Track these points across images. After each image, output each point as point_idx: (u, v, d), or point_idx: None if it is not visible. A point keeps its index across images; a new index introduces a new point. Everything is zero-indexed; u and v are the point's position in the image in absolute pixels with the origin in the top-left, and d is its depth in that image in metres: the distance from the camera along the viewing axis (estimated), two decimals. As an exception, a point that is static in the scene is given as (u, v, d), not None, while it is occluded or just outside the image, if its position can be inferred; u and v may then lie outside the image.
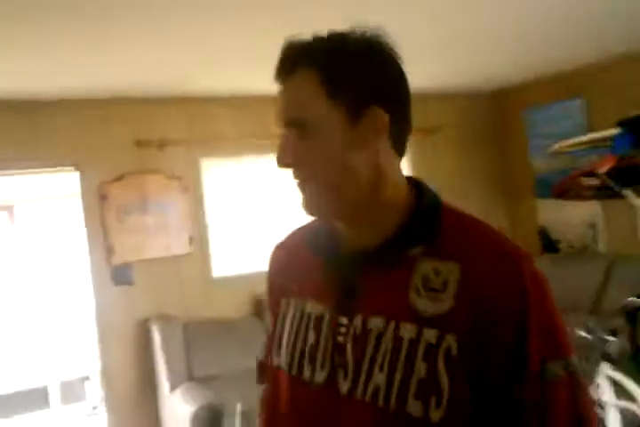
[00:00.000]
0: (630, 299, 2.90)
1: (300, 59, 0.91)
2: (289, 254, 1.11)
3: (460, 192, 5.14)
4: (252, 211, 4.54)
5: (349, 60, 0.90)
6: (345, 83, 0.89)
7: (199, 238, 4.35)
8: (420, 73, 4.29)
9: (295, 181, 0.95)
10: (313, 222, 1.08)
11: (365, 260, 0.93)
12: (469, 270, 0.86)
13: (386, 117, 0.90)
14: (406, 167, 5.04)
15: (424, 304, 0.87)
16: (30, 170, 4.05)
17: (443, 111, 5.22)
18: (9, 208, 5.77)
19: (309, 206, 0.95)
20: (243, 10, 2.63)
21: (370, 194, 0.92)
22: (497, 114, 5.54)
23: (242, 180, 4.54)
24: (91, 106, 4.01)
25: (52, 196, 5.67)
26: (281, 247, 1.15)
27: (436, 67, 4.21)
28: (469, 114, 5.45)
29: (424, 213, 0.93)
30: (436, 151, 5.18)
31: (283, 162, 0.93)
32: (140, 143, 4.14)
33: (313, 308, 0.99)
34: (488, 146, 5.50)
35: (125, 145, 4.12)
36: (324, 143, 0.90)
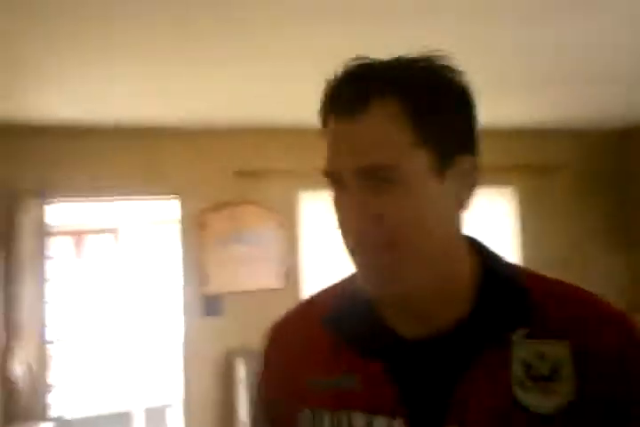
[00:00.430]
0: None
1: (376, 88, 0.71)
2: (300, 345, 0.85)
3: (575, 241, 4.74)
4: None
5: (438, 92, 0.73)
6: (436, 121, 0.71)
7: (293, 274, 4.23)
8: (540, 105, 3.99)
9: (357, 252, 0.76)
10: (323, 298, 0.86)
11: (442, 349, 0.73)
12: (581, 349, 0.70)
13: (476, 167, 0.74)
14: (511, 209, 4.70)
15: (536, 399, 0.68)
16: (134, 196, 4.13)
17: (562, 148, 4.82)
18: (114, 231, 5.97)
19: (388, 282, 0.73)
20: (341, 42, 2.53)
21: (448, 260, 0.75)
22: (625, 155, 5.00)
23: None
24: (194, 135, 4.05)
25: (154, 221, 5.82)
26: (286, 333, 0.90)
27: (562, 99, 3.88)
28: (593, 153, 4.98)
29: (504, 282, 0.76)
30: (549, 193, 4.78)
31: (361, 228, 0.72)
32: (240, 173, 4.13)
33: (371, 423, 0.73)
34: (611, 191, 5.00)
35: (226, 175, 4.12)
36: (413, 200, 0.70)
